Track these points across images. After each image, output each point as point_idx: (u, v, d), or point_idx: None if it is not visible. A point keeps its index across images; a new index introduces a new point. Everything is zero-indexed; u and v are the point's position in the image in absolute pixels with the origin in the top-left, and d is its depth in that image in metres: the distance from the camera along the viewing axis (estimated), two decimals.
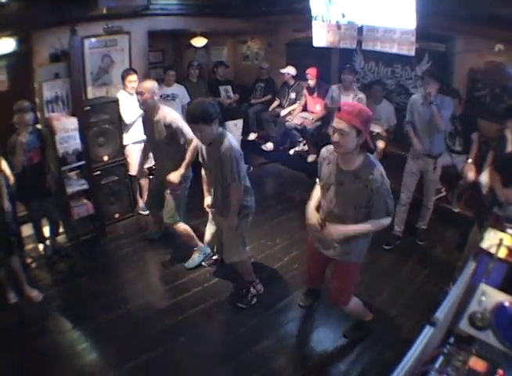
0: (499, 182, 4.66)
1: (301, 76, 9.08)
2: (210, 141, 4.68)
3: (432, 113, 5.72)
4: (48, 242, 6.40)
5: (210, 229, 5.44)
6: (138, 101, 5.54)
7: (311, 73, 8.61)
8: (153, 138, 5.71)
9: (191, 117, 4.49)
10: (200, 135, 4.61)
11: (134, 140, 7.20)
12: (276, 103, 9.80)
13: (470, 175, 6.00)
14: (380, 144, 7.47)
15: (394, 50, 6.36)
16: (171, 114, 5.60)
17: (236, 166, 4.62)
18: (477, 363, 2.31)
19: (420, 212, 6.53)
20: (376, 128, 7.50)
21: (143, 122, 5.97)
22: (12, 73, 6.41)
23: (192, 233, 6.08)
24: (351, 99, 7.58)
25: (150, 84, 5.54)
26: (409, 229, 6.72)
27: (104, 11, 6.57)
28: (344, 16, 6.82)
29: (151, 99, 5.49)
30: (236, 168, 4.62)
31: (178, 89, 8.20)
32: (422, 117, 5.92)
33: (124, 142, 7.19)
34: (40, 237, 6.35)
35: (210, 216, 5.42)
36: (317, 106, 8.97)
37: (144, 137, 6.69)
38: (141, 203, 7.76)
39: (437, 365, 2.31)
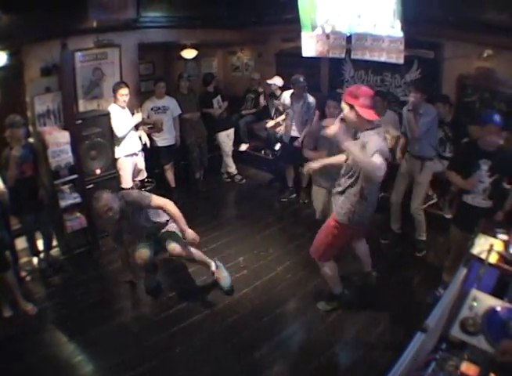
0: (459, 177, 4.93)
1: (290, 86, 9.11)
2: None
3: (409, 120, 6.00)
4: (42, 255, 6.39)
5: (319, 200, 6.39)
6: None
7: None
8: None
9: None
10: None
11: (126, 153, 7.24)
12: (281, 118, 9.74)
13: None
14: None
15: (383, 58, 6.42)
16: None
17: None
18: (469, 368, 2.34)
19: (414, 224, 6.58)
20: None
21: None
22: (3, 86, 6.40)
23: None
24: (301, 106, 7.76)
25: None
26: (403, 238, 6.87)
27: (94, 24, 6.61)
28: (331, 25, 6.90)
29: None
30: None
31: (169, 101, 8.17)
32: (408, 123, 6.12)
33: (116, 155, 7.20)
34: (34, 251, 6.34)
35: (314, 188, 6.51)
36: None
37: (135, 150, 6.74)
38: None
39: (429, 370, 2.34)
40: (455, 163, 5.21)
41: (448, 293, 3.17)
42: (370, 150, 4.04)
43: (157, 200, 5.34)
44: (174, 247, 5.43)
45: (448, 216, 6.74)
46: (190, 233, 5.31)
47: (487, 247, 3.26)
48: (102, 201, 4.95)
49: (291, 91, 7.94)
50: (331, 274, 5.12)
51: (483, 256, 3.20)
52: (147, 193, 5.48)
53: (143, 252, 5.47)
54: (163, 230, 5.66)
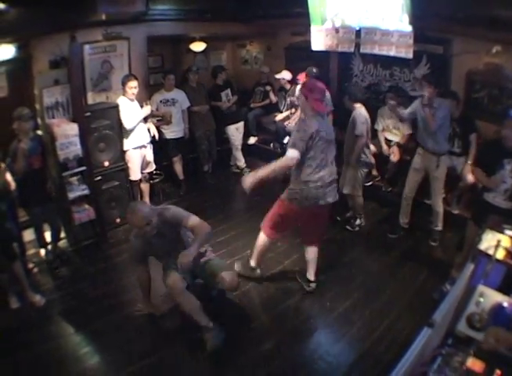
0: (484, 174, 4.89)
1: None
2: None
3: (426, 114, 5.94)
4: (49, 247, 6.41)
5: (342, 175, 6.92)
6: None
7: (300, 78, 8.54)
8: None
9: None
10: None
11: (134, 145, 7.25)
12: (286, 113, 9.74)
13: (470, 177, 6.01)
14: (394, 157, 7.46)
15: (392, 53, 6.39)
16: None
17: None
18: (475, 364, 2.34)
19: (432, 216, 6.57)
20: (393, 138, 7.56)
21: None
22: (11, 79, 6.42)
23: None
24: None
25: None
26: (411, 231, 6.86)
27: (103, 17, 6.59)
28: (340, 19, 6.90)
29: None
30: None
31: (178, 94, 8.19)
32: (422, 118, 6.07)
33: (125, 148, 7.21)
34: (41, 242, 6.35)
35: None
36: None
37: (144, 142, 6.75)
38: None
39: (435, 366, 2.34)
40: (480, 160, 5.23)
41: (456, 288, 3.17)
42: (291, 137, 5.09)
43: (195, 219, 4.84)
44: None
45: (456, 212, 6.73)
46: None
47: (494, 242, 3.26)
48: (140, 214, 4.47)
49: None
50: (261, 245, 5.69)
51: (490, 252, 3.20)
52: (185, 211, 4.97)
53: (177, 279, 4.71)
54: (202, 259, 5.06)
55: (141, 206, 4.70)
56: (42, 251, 6.45)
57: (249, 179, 4.84)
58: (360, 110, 6.58)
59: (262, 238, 5.63)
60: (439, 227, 6.58)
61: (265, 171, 4.86)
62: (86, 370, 4.54)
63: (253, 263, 5.87)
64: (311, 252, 5.64)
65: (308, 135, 4.79)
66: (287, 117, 8.95)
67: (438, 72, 7.19)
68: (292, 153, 4.79)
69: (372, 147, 7.18)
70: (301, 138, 4.81)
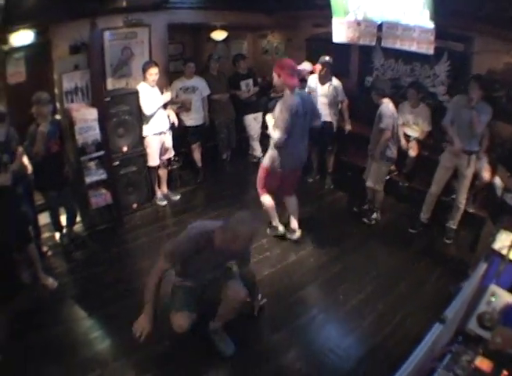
0: (507, 172, 4.89)
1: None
2: None
3: (472, 117, 5.83)
4: (64, 231, 6.46)
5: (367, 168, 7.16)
6: None
7: (315, 69, 8.47)
8: None
9: None
10: None
11: (154, 131, 7.28)
12: None
13: (486, 175, 6.00)
14: (412, 152, 7.42)
15: (414, 48, 6.38)
16: None
17: None
18: (483, 363, 2.35)
19: (452, 212, 6.58)
20: (412, 133, 7.54)
21: None
22: (30, 64, 6.42)
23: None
24: (327, 88, 7.79)
25: None
26: (431, 228, 6.86)
27: (124, 4, 6.64)
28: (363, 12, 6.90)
29: None
30: None
31: (198, 82, 8.21)
32: (463, 119, 5.99)
33: (144, 134, 7.26)
34: (57, 226, 6.39)
35: None
36: None
37: (163, 128, 6.80)
38: (159, 193, 7.89)
39: (444, 362, 2.35)
40: (503, 158, 5.30)
41: (468, 287, 3.17)
42: (276, 118, 5.76)
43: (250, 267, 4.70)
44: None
45: (471, 210, 6.71)
46: None
47: (508, 243, 3.26)
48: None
49: (315, 75, 8.01)
50: (267, 205, 6.45)
51: (504, 252, 3.20)
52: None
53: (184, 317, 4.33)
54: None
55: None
56: (57, 235, 6.50)
57: None
58: (388, 105, 6.58)
59: (264, 197, 6.40)
60: (454, 226, 6.59)
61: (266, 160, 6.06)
62: (97, 353, 4.59)
63: (274, 222, 6.67)
64: (292, 202, 6.53)
65: (290, 114, 5.50)
66: None
67: (459, 69, 7.16)
68: (278, 134, 5.63)
69: (403, 142, 7.33)
70: (284, 118, 5.53)
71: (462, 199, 6.42)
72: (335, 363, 4.59)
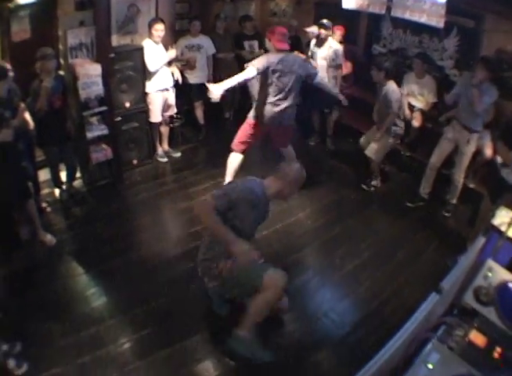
0: (505, 147, 4.94)
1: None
2: None
3: (473, 95, 5.82)
4: (64, 187, 6.49)
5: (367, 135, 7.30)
6: None
7: (340, 31, 8.46)
8: None
9: None
10: None
11: (157, 88, 7.26)
12: None
13: (488, 151, 6.02)
14: (416, 122, 7.44)
15: (423, 20, 6.34)
16: None
17: None
18: (477, 338, 2.38)
19: (450, 188, 6.63)
20: (417, 103, 7.53)
21: None
22: (35, 21, 6.32)
23: None
24: (326, 51, 7.79)
25: None
26: (430, 203, 6.88)
27: None
28: None
29: None
30: None
31: (203, 40, 8.18)
32: (467, 96, 5.99)
33: (147, 90, 7.24)
34: (57, 182, 6.41)
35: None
36: None
37: (166, 85, 6.77)
38: (160, 150, 7.92)
39: (438, 334, 2.38)
40: (506, 134, 5.22)
41: (465, 260, 3.21)
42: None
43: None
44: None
45: (472, 186, 6.75)
46: None
47: (507, 220, 3.29)
48: (303, 173, 4.33)
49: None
50: (233, 163, 6.59)
51: (503, 228, 3.23)
52: None
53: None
54: None
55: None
56: (57, 191, 6.52)
57: (216, 89, 5.81)
58: (393, 87, 6.63)
59: (234, 156, 6.59)
60: (454, 200, 6.65)
61: (228, 82, 5.88)
62: (93, 310, 4.67)
63: (227, 179, 6.65)
64: (290, 151, 6.70)
65: (266, 62, 5.90)
66: None
67: (468, 45, 7.13)
68: (249, 68, 5.89)
69: (407, 112, 7.41)
70: (259, 61, 5.93)
71: (459, 176, 6.46)
72: (329, 328, 4.69)
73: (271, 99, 6.14)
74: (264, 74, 6.02)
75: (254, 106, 6.43)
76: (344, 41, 8.30)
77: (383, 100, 6.69)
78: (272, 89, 6.09)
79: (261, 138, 6.76)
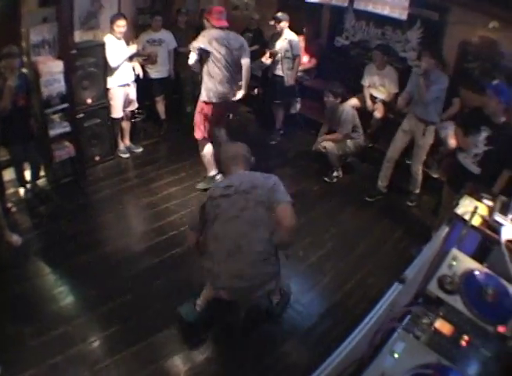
0: (462, 133, 5.09)
1: (290, 29, 8.98)
2: None
3: (420, 84, 5.92)
4: (28, 186, 6.40)
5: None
6: None
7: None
8: None
9: None
10: None
11: (118, 83, 7.20)
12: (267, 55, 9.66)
13: (451, 142, 6.08)
14: (378, 113, 7.53)
15: (386, 12, 6.43)
16: None
17: None
18: (443, 326, 2.38)
19: (410, 179, 6.71)
20: (378, 94, 7.61)
21: None
22: None
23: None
24: (281, 42, 7.90)
25: None
26: (393, 190, 6.94)
27: None
28: None
29: None
30: None
31: (165, 34, 8.13)
32: (418, 86, 6.03)
33: (108, 86, 7.15)
34: (21, 181, 6.32)
35: None
36: (304, 58, 8.91)
37: (128, 80, 6.74)
38: (121, 146, 7.87)
39: (404, 323, 2.39)
40: (462, 120, 5.46)
41: (430, 249, 3.23)
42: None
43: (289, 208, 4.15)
44: None
45: (435, 176, 6.82)
46: None
47: (471, 209, 3.31)
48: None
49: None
50: (205, 154, 6.69)
51: (466, 217, 3.26)
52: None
53: None
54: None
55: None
56: (21, 191, 6.43)
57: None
58: (347, 108, 6.95)
59: (204, 148, 6.66)
60: (417, 190, 6.74)
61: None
62: (62, 309, 4.64)
63: (213, 172, 6.79)
64: (223, 131, 6.92)
65: (203, 40, 5.99)
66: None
67: (431, 37, 7.19)
68: (191, 55, 6.09)
69: (369, 103, 7.62)
70: (196, 42, 6.02)
71: (417, 168, 6.56)
72: (295, 320, 4.72)
73: (215, 76, 6.17)
74: (205, 53, 6.04)
75: (202, 89, 6.39)
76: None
77: (335, 120, 6.98)
78: (214, 66, 6.13)
79: (218, 119, 6.65)
